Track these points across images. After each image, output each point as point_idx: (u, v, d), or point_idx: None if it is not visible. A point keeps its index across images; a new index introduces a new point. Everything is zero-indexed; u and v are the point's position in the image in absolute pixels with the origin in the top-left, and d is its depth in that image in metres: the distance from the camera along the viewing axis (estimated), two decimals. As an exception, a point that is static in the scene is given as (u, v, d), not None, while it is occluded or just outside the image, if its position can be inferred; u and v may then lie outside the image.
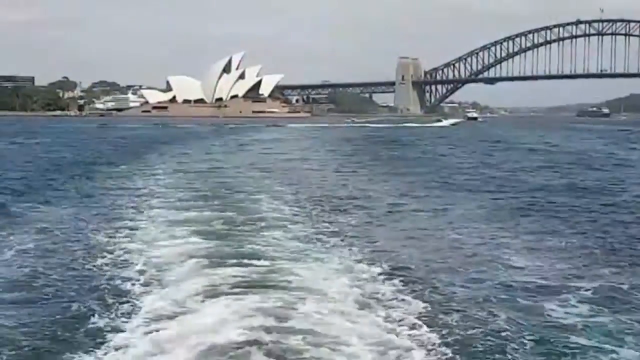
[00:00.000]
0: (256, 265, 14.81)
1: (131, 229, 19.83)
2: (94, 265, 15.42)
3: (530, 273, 14.91)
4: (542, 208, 24.59)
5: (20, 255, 16.42)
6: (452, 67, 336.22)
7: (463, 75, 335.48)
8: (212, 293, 12.76)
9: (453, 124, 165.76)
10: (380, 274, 14.52)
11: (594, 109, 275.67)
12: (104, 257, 16.16)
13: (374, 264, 15.36)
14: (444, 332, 10.88)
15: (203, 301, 12.33)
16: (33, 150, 58.97)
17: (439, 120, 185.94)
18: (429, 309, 12.07)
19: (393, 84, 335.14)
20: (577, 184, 32.90)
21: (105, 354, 10.06)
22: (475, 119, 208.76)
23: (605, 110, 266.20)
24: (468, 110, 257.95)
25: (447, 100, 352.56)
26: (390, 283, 13.82)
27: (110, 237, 18.57)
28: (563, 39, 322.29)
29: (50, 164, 44.64)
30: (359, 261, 15.69)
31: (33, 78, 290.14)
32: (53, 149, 61.10)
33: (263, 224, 20.17)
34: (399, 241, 18.37)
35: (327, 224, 20.64)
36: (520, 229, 20.19)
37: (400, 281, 13.96)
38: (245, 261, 15.17)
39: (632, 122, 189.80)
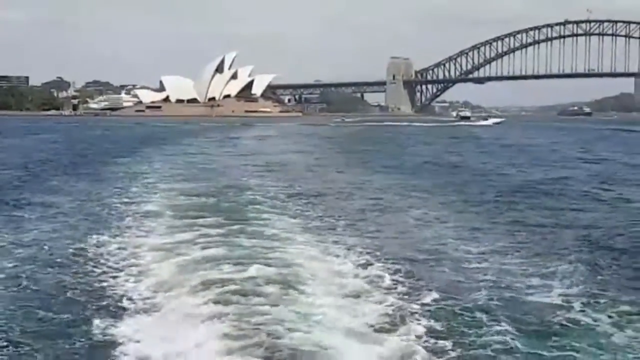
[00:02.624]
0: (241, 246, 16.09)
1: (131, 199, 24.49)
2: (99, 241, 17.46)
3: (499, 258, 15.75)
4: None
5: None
6: (442, 67, 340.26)
7: (453, 75, 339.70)
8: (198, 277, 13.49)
9: (497, 123, 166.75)
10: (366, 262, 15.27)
11: (576, 108, 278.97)
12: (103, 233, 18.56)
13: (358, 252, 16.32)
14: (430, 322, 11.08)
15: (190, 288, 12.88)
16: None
17: (485, 119, 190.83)
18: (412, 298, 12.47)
19: (384, 83, 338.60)
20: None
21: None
22: (468, 118, 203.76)
23: (587, 110, 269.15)
24: (461, 109, 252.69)
25: (439, 99, 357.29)
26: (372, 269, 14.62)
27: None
28: (551, 39, 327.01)
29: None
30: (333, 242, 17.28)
31: (27, 78, 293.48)
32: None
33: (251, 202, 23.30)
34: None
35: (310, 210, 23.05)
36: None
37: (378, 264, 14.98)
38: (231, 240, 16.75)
39: (616, 121, 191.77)
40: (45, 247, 16.68)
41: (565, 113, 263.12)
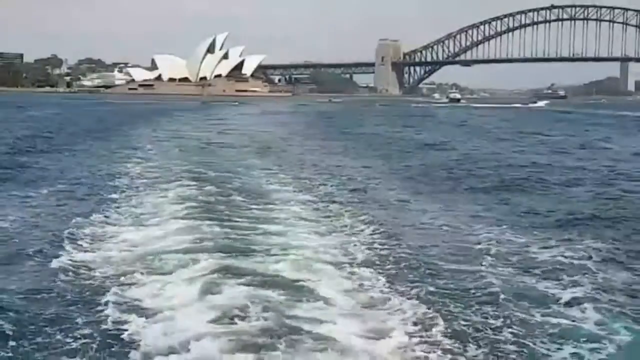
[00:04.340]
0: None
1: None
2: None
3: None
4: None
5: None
6: (430, 49, 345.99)
7: (441, 58, 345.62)
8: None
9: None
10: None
11: (550, 91, 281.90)
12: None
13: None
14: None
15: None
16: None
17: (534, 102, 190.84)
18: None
19: (373, 65, 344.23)
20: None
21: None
22: (458, 100, 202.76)
23: (562, 93, 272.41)
24: (451, 91, 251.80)
25: (427, 81, 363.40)
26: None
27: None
28: (537, 23, 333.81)
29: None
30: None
31: (22, 55, 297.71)
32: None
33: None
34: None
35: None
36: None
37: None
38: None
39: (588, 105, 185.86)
40: (41, 223, 16.79)
41: (539, 96, 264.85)
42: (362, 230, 16.27)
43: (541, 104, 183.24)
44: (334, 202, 20.28)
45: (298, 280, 11.76)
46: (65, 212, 18.27)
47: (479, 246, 14.89)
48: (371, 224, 16.82)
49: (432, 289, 11.76)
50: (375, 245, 14.69)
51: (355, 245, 14.72)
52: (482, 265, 13.34)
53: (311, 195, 21.53)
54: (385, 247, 14.60)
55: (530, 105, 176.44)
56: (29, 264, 13.18)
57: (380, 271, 12.71)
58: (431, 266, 13.27)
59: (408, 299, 11.14)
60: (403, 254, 14.02)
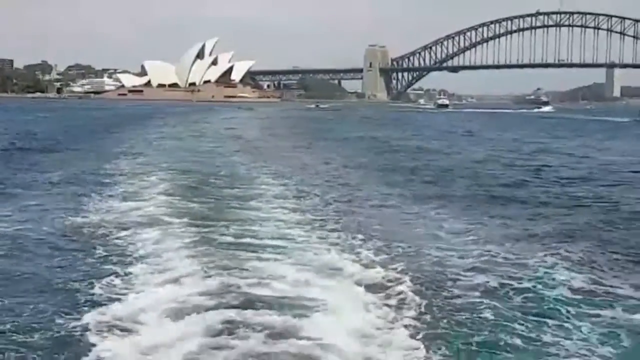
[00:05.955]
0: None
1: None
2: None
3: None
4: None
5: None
6: (417, 55, 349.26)
7: (428, 64, 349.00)
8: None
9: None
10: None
11: (532, 97, 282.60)
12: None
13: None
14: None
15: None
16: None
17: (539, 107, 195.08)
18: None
19: (361, 70, 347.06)
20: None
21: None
22: (446, 106, 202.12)
23: (544, 99, 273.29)
24: (439, 97, 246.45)
25: (416, 87, 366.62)
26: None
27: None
28: (523, 29, 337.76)
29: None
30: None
31: (12, 61, 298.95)
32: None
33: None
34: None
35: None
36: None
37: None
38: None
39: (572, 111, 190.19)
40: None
41: (522, 102, 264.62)
42: (326, 206, 19.85)
43: (546, 109, 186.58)
44: (306, 187, 23.61)
45: (269, 247, 13.95)
46: (69, 192, 22.16)
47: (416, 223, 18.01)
48: (334, 200, 20.81)
49: (385, 257, 13.98)
50: (337, 218, 17.86)
51: (321, 219, 17.63)
52: (418, 237, 16.16)
53: (287, 181, 24.85)
54: (343, 218, 17.92)
55: (536, 110, 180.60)
56: (38, 226, 16.57)
57: (337, 240, 15.32)
58: (381, 233, 16.06)
59: (354, 260, 13.51)
60: (350, 222, 17.44)
